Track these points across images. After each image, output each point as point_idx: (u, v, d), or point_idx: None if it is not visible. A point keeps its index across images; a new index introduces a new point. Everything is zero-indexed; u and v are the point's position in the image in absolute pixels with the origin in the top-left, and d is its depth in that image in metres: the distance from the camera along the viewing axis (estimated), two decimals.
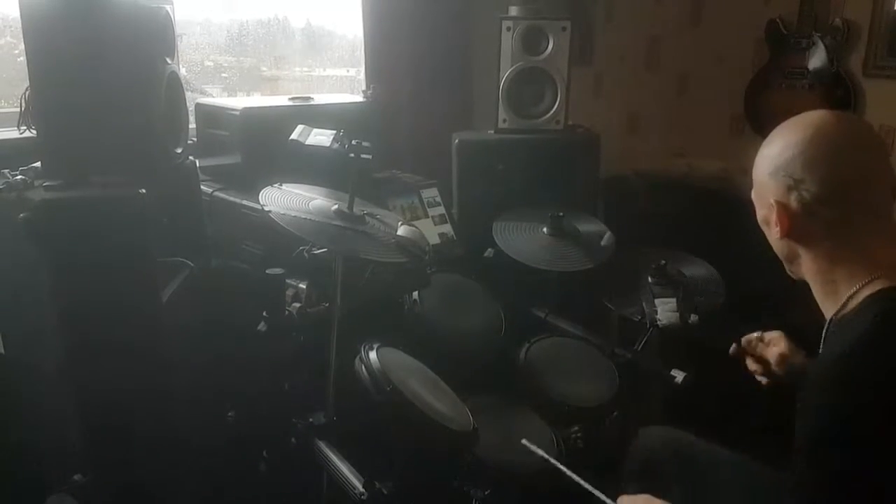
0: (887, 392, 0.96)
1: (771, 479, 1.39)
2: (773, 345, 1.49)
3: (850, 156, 1.09)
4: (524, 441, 1.61)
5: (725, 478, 1.45)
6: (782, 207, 1.11)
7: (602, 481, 1.41)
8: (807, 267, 1.15)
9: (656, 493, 1.32)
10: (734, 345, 1.52)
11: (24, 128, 1.74)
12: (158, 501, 1.69)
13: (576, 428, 1.86)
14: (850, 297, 1.09)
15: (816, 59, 3.04)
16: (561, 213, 2.07)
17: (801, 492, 1.03)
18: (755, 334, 1.51)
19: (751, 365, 1.50)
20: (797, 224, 1.11)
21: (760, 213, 1.18)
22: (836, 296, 1.11)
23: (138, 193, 1.57)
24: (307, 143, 1.64)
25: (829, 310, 1.14)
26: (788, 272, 1.21)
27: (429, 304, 1.96)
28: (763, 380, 1.49)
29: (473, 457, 1.59)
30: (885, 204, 1.10)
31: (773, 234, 1.15)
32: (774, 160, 1.12)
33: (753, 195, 1.18)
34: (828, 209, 1.08)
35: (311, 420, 1.67)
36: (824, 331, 1.13)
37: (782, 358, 1.46)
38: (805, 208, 1.09)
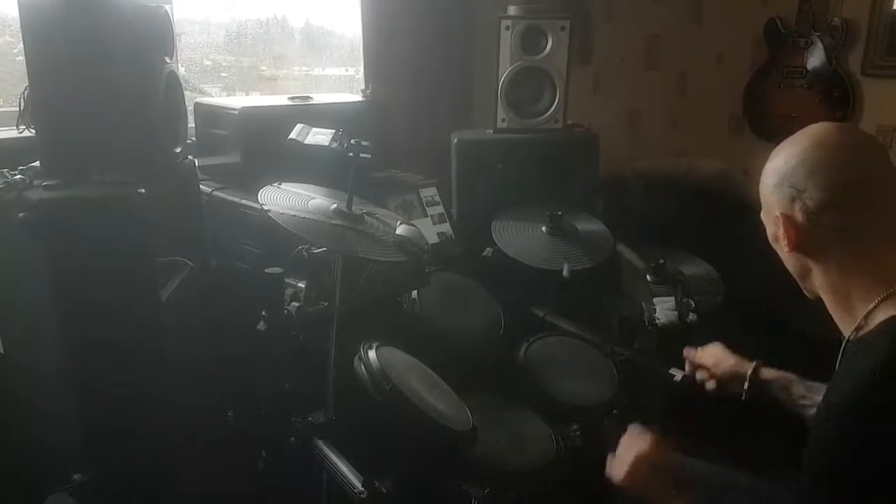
0: None
1: (767, 493, 1.39)
2: (710, 353, 1.59)
3: (851, 161, 1.08)
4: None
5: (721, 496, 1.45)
6: (788, 219, 1.10)
7: (601, 481, 1.41)
8: (819, 282, 1.14)
9: None
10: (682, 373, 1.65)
11: (23, 127, 1.74)
12: (157, 500, 1.69)
13: (575, 427, 1.86)
14: (867, 316, 1.07)
15: (815, 59, 3.04)
16: (560, 213, 2.07)
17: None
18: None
19: (698, 375, 1.62)
20: (804, 235, 1.10)
21: (770, 231, 1.17)
22: (852, 312, 1.10)
23: (137, 193, 1.57)
24: (306, 142, 1.64)
25: (845, 327, 1.12)
26: (804, 290, 1.20)
27: (428, 304, 1.96)
28: (710, 384, 1.59)
29: (473, 456, 1.59)
30: (892, 212, 1.09)
31: (783, 250, 1.14)
32: (777, 173, 1.11)
33: (762, 214, 1.18)
34: (833, 216, 1.07)
35: (310, 419, 1.67)
36: (841, 350, 1.12)
37: (717, 361, 1.57)
38: (810, 218, 1.08)
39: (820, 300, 1.17)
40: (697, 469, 1.51)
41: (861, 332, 1.08)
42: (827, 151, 1.08)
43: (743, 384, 1.51)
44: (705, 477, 1.49)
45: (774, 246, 1.18)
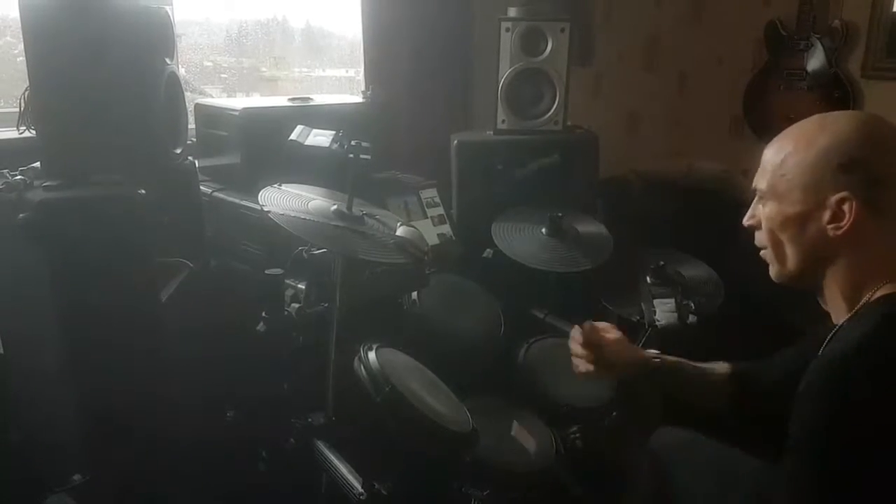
0: (885, 392, 0.96)
1: (767, 477, 1.39)
2: (610, 332, 1.50)
3: None
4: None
5: (740, 483, 1.44)
6: (859, 201, 1.05)
7: (600, 482, 1.41)
8: (841, 270, 1.11)
9: (667, 496, 1.31)
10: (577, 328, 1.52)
11: (24, 128, 1.74)
12: (157, 501, 1.69)
13: (575, 428, 1.86)
14: (864, 303, 1.08)
15: (815, 61, 3.04)
16: (560, 214, 2.07)
17: (794, 486, 1.03)
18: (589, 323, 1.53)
19: (580, 351, 1.49)
20: (859, 222, 1.06)
21: (796, 209, 1.11)
22: (852, 301, 1.10)
23: (138, 194, 1.58)
24: (306, 143, 1.64)
25: (841, 315, 1.12)
26: (785, 276, 1.18)
27: (428, 305, 1.96)
28: (585, 367, 1.48)
29: (473, 457, 1.59)
30: None
31: (819, 230, 1.09)
32: (848, 153, 1.06)
33: (785, 187, 1.12)
34: (891, 203, 1.06)
35: (310, 420, 1.67)
36: (831, 334, 1.11)
37: (620, 342, 1.48)
38: (879, 205, 1.06)
39: (799, 289, 1.16)
40: (703, 447, 1.51)
41: (851, 316, 1.09)
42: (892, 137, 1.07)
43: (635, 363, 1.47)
44: (710, 455, 1.49)
45: (793, 225, 1.13)
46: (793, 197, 1.11)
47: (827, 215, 1.08)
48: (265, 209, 1.54)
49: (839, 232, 1.08)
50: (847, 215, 1.06)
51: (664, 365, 1.48)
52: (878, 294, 1.07)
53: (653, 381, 1.51)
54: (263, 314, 1.67)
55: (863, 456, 0.96)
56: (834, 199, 1.07)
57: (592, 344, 1.48)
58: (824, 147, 1.08)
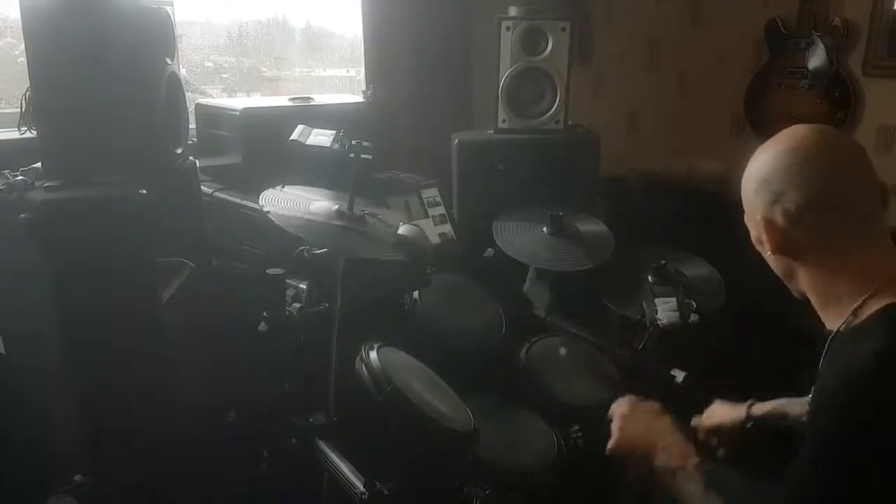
0: None
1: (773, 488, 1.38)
2: (713, 417, 1.59)
3: (829, 163, 1.09)
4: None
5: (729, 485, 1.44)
6: (769, 223, 1.11)
7: (602, 482, 1.41)
8: (805, 282, 1.15)
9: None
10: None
11: (25, 128, 1.74)
12: (159, 502, 1.69)
13: (576, 427, 1.86)
14: (857, 310, 1.07)
15: (816, 59, 3.04)
16: (561, 213, 2.07)
17: (800, 491, 1.03)
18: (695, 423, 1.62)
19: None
20: (786, 238, 1.10)
21: (753, 234, 1.18)
22: (839, 308, 1.10)
23: (139, 194, 1.58)
24: (307, 143, 1.64)
25: (832, 321, 1.12)
26: (791, 290, 1.20)
27: (429, 304, 1.95)
28: (721, 453, 1.58)
29: (474, 457, 1.59)
30: (871, 211, 1.09)
31: (766, 252, 1.15)
32: (756, 177, 1.13)
33: (745, 218, 1.19)
34: (811, 218, 1.08)
35: (311, 420, 1.66)
36: (828, 342, 1.11)
37: (721, 421, 1.57)
38: (790, 220, 1.09)
39: (808, 299, 1.17)
40: None
41: (852, 324, 1.08)
42: (803, 154, 1.09)
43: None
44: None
45: (758, 248, 1.19)
46: (749, 221, 1.18)
47: (763, 235, 1.13)
48: (265, 209, 1.54)
49: (768, 251, 1.14)
50: (767, 233, 1.11)
51: (768, 415, 1.53)
52: (873, 305, 1.05)
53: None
54: (265, 314, 1.67)
55: (878, 469, 0.96)
56: (757, 218, 1.13)
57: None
58: (751, 172, 1.15)
